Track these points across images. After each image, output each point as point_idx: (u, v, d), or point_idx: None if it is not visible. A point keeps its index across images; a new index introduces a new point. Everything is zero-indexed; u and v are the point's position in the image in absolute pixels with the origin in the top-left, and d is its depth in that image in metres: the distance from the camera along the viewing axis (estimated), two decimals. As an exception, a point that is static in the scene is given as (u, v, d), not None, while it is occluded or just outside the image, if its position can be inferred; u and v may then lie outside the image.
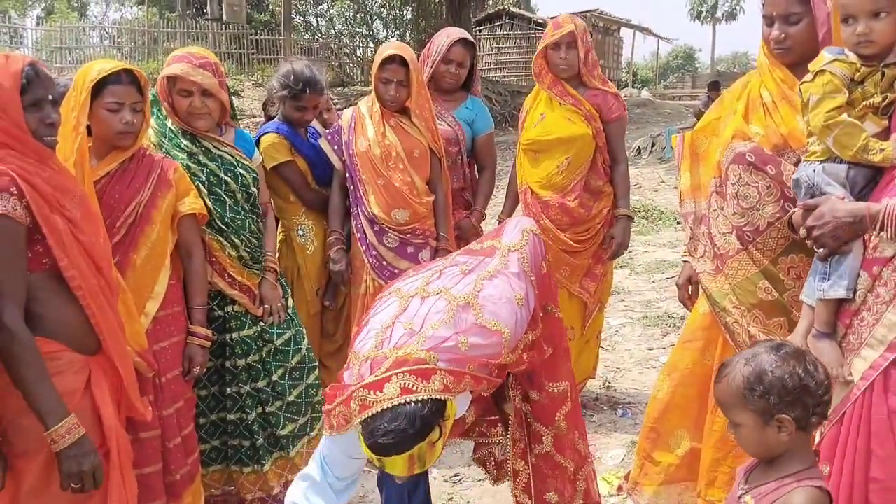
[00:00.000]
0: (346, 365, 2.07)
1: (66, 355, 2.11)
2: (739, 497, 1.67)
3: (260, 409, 3.13)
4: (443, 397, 1.81)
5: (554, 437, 2.32)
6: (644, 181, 10.58)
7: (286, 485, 3.26)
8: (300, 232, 3.68)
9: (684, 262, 2.94)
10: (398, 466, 1.79)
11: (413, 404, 1.76)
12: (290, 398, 3.19)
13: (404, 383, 1.78)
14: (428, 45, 3.98)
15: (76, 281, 2.10)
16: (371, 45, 24.29)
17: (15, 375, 1.99)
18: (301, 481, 2.09)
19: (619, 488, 3.23)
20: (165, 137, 2.97)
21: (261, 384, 3.11)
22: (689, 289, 2.90)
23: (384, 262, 3.50)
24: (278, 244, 3.52)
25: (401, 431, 1.73)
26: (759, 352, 1.69)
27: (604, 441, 3.76)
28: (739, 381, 1.63)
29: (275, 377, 3.14)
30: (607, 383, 4.35)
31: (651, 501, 2.77)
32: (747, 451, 1.70)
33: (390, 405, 1.75)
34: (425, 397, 1.77)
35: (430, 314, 1.97)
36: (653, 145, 13.44)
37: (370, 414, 1.76)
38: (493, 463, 2.64)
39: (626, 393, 4.34)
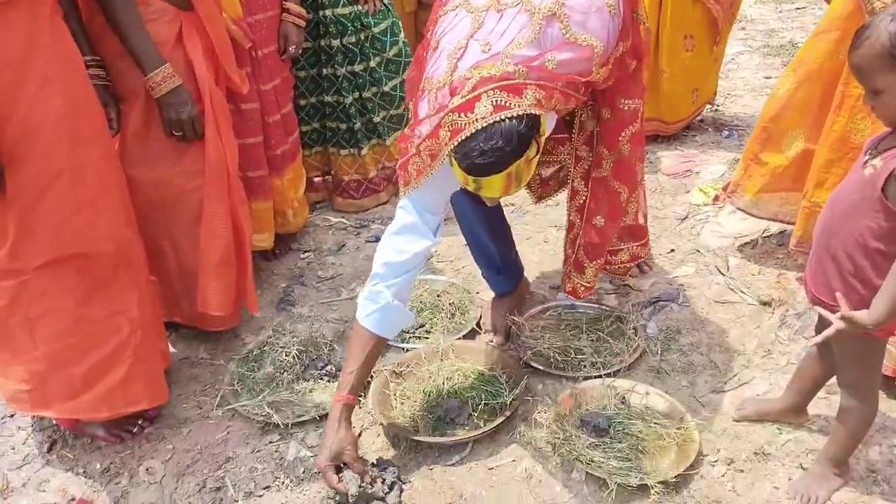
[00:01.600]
0: (419, 92, 1.94)
1: (157, 3, 2.09)
2: (865, 164, 1.55)
3: (356, 94, 3.16)
4: (536, 112, 1.69)
5: (615, 161, 2.19)
6: None
7: (382, 170, 3.39)
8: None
9: (830, -49, 2.56)
10: (495, 187, 1.71)
11: (508, 121, 1.64)
12: (386, 88, 3.19)
13: (496, 100, 1.66)
14: None
15: None
16: None
17: (111, 19, 2.01)
18: (392, 235, 1.99)
19: (716, 198, 3.17)
20: None
21: (357, 68, 3.10)
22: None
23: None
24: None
25: (498, 150, 1.64)
26: None
27: (704, 158, 3.64)
28: (885, 38, 1.44)
29: (372, 63, 3.12)
30: (716, 107, 4.11)
31: (748, 205, 2.70)
32: (886, 122, 1.54)
33: (484, 124, 1.64)
34: (520, 112, 1.65)
35: (509, 29, 1.79)
36: None
37: (463, 137, 1.66)
38: (538, 182, 2.58)
39: (734, 116, 4.11)
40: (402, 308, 1.99)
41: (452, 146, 1.69)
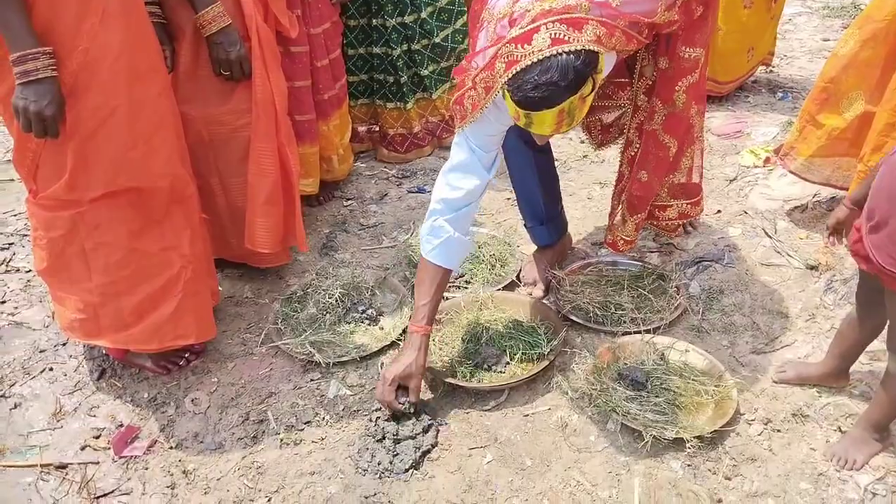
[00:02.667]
0: (479, 24, 1.91)
1: None
2: None
3: (405, 46, 3.14)
4: (595, 49, 1.64)
5: (667, 115, 2.15)
6: None
7: (426, 124, 3.38)
8: None
9: None
10: (546, 123, 1.67)
11: (565, 55, 1.59)
12: (437, 39, 3.16)
13: (554, 33, 1.61)
14: None
15: None
16: None
17: None
18: (447, 173, 2.01)
19: (767, 160, 3.11)
20: None
21: (407, 19, 3.07)
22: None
23: None
24: None
25: (552, 84, 1.60)
26: None
27: (757, 120, 3.56)
28: None
29: (423, 14, 3.08)
30: (771, 68, 4.00)
31: (800, 169, 2.64)
32: None
33: (540, 57, 1.60)
34: (578, 48, 1.60)
35: None
36: None
37: (518, 69, 1.62)
38: (599, 128, 2.55)
39: (789, 78, 3.99)
40: (463, 239, 2.04)
41: (507, 78, 1.66)
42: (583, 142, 3.50)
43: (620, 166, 2.39)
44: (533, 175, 2.39)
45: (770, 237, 2.71)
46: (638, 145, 2.28)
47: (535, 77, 1.61)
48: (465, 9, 3.22)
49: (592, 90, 1.69)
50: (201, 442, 2.03)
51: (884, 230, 1.59)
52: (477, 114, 1.85)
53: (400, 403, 1.98)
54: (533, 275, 2.52)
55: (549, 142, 2.41)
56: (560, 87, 1.61)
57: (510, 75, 1.65)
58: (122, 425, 2.10)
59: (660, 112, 2.17)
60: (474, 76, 1.79)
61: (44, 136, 1.75)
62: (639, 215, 2.35)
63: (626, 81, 2.24)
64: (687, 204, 2.42)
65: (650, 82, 2.19)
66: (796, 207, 2.86)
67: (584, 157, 3.35)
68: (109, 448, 2.03)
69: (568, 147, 3.40)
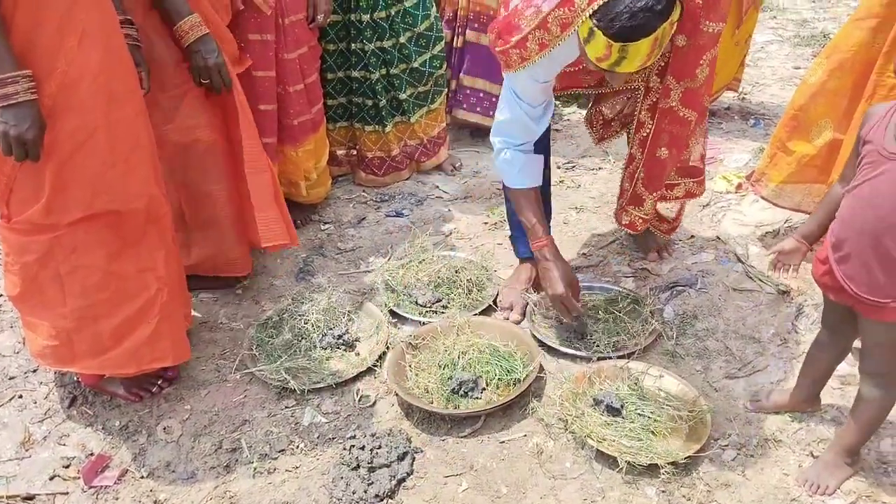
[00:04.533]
0: None
1: None
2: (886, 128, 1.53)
3: (384, 70, 3.15)
4: None
5: (684, 91, 2.20)
6: None
7: (404, 147, 3.39)
8: None
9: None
10: (641, 53, 1.68)
11: None
12: (415, 64, 3.18)
13: None
14: None
15: None
16: None
17: None
18: (499, 128, 2.19)
19: (739, 186, 3.15)
20: None
21: (386, 44, 3.09)
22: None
23: None
24: None
25: (648, 10, 1.61)
26: None
27: (729, 146, 3.61)
28: None
29: (402, 39, 3.10)
30: (743, 94, 4.07)
31: (772, 195, 2.68)
32: None
33: None
34: None
35: None
36: None
37: (604, 1, 1.64)
38: (601, 122, 2.61)
39: (761, 105, 4.06)
40: (534, 156, 2.24)
41: (591, 11, 1.66)
42: (559, 167, 3.53)
43: (631, 148, 2.46)
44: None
45: (742, 262, 2.74)
46: (651, 125, 2.33)
47: (629, 4, 1.62)
48: (443, 36, 3.25)
49: (680, 16, 1.72)
50: (173, 471, 2.00)
51: (856, 260, 1.62)
52: (545, 52, 1.89)
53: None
54: (509, 300, 2.53)
55: (549, 141, 2.47)
56: (655, 12, 1.63)
57: (595, 7, 1.65)
58: (92, 454, 2.06)
59: (675, 89, 2.22)
60: (546, 15, 1.81)
61: (24, 159, 1.73)
62: (657, 192, 2.45)
63: None
64: (693, 182, 2.54)
65: (663, 63, 2.23)
66: (768, 233, 2.90)
67: (560, 181, 3.38)
68: (79, 478, 1.99)
69: (559, 161, 3.44)
